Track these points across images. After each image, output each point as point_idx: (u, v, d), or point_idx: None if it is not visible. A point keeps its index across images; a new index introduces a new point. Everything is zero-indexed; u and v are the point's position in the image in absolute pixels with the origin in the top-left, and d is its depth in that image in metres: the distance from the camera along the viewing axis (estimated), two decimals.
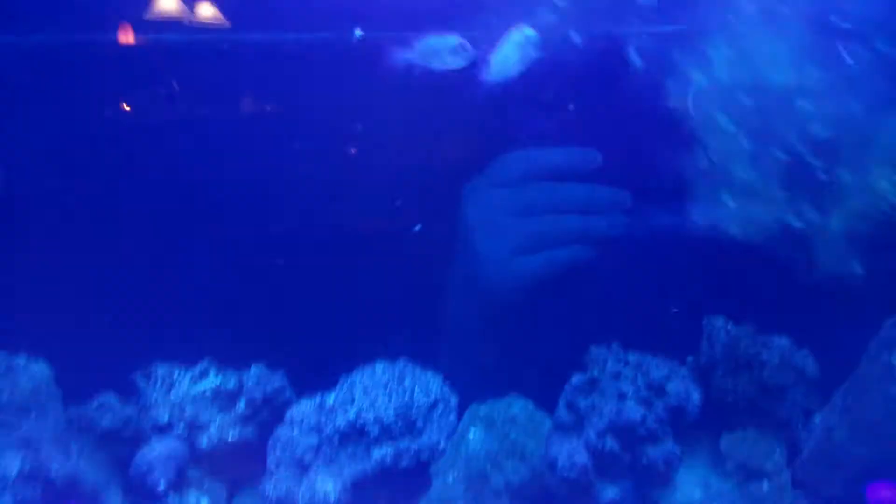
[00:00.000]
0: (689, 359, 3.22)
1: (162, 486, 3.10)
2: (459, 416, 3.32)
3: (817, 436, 2.90)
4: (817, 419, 2.97)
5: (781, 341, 3.05)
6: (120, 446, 3.18)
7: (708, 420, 3.07)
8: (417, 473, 3.18)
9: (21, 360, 3.29)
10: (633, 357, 3.12)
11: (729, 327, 3.10)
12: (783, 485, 2.71)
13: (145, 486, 3.11)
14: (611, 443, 2.92)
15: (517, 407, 3.25)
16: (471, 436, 3.16)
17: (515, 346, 3.46)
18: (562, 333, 3.39)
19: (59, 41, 3.37)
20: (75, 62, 3.41)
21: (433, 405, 3.31)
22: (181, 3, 3.43)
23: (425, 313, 3.50)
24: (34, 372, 3.28)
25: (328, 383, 3.38)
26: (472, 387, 3.29)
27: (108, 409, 3.15)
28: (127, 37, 3.45)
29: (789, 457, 2.96)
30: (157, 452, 3.14)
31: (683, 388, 3.05)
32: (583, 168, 3.02)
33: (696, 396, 3.05)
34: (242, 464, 3.30)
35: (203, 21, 3.45)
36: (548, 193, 3.06)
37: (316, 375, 3.39)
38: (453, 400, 3.39)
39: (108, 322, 3.57)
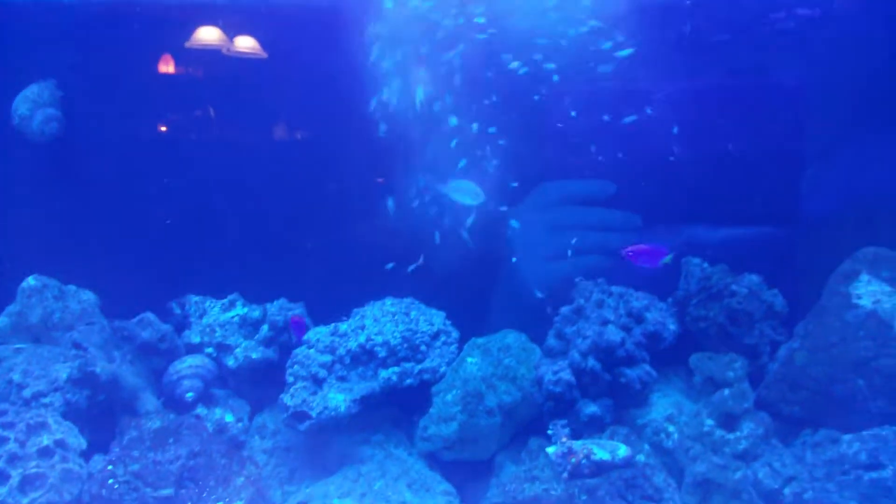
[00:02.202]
0: (670, 299, 3.54)
1: (189, 397, 3.45)
2: (460, 349, 3.65)
3: (780, 360, 3.19)
4: (783, 349, 3.25)
5: (752, 277, 3.35)
6: (157, 358, 3.56)
7: (684, 350, 3.37)
8: (420, 393, 3.51)
9: (72, 288, 3.71)
10: (616, 289, 3.45)
11: (704, 265, 3.41)
12: (744, 391, 2.98)
13: (174, 395, 3.47)
14: (592, 362, 3.23)
15: (511, 337, 3.57)
16: (469, 361, 3.48)
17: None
18: None
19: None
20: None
21: (436, 335, 3.65)
22: (221, 33, 3.77)
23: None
24: (83, 297, 3.69)
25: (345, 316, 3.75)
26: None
27: (147, 323, 3.53)
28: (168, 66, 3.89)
29: (756, 382, 3.24)
30: (189, 365, 3.51)
31: (661, 316, 3.36)
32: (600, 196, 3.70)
33: (672, 325, 3.36)
34: (265, 383, 3.65)
35: (241, 50, 3.80)
36: (573, 215, 3.69)
37: (333, 310, 3.76)
38: (455, 333, 3.72)
39: (149, 260, 3.93)
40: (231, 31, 3.81)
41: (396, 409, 3.60)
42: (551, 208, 3.73)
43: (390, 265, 3.72)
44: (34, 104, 3.69)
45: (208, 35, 3.77)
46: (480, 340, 3.58)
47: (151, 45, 3.93)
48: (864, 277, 3.14)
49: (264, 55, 3.82)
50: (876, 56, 3.49)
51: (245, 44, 3.80)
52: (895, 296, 3.06)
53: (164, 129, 4.04)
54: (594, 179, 3.70)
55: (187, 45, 3.76)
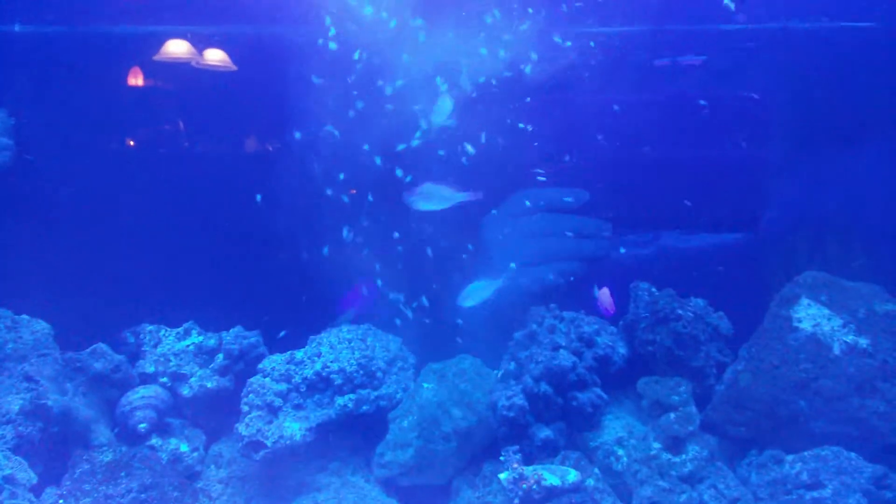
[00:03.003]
0: (621, 323, 3.62)
1: (143, 427, 3.43)
2: (417, 374, 3.68)
3: (726, 382, 3.28)
4: (728, 371, 3.34)
5: (697, 301, 3.45)
6: (111, 389, 3.53)
7: (635, 373, 3.45)
8: (376, 419, 3.53)
9: (25, 318, 3.68)
10: (567, 314, 3.51)
11: (652, 290, 3.49)
12: (689, 414, 3.06)
13: (128, 426, 3.44)
14: (545, 387, 3.29)
15: (467, 363, 3.61)
16: (425, 386, 3.52)
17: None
18: None
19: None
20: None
21: (392, 361, 3.68)
22: (190, 46, 3.78)
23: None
24: (35, 327, 3.65)
25: (300, 344, 3.76)
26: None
27: (100, 354, 3.50)
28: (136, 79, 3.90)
29: (703, 403, 3.32)
30: (141, 396, 3.49)
31: (611, 340, 3.44)
32: (574, 203, 3.80)
33: (622, 348, 3.44)
34: (221, 412, 3.64)
35: (210, 64, 3.81)
36: (547, 222, 3.80)
37: (289, 338, 3.78)
38: (411, 359, 3.76)
39: (102, 289, 3.91)
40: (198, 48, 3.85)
41: (354, 436, 3.60)
42: (526, 216, 3.79)
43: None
44: None
45: (177, 49, 3.79)
46: (436, 366, 3.62)
47: (104, 72, 3.94)
48: (804, 301, 3.25)
49: (234, 68, 3.84)
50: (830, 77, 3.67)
51: (214, 57, 3.82)
52: (833, 319, 3.17)
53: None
54: (568, 187, 3.79)
55: (155, 58, 3.77)
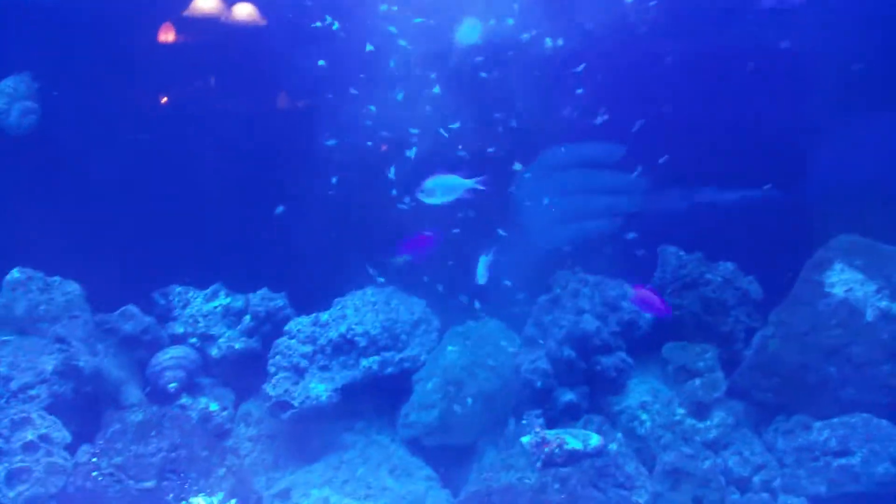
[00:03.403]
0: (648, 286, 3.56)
1: (173, 387, 3.50)
2: (441, 337, 3.69)
3: (754, 348, 3.22)
4: (757, 336, 3.28)
5: (727, 265, 3.38)
6: (141, 349, 3.60)
7: (662, 338, 3.41)
8: (401, 381, 3.56)
9: (56, 280, 3.74)
10: (592, 278, 3.47)
11: (680, 254, 3.43)
12: (715, 380, 3.03)
13: (158, 386, 3.52)
14: (568, 351, 3.27)
15: (491, 326, 3.61)
16: (449, 349, 3.53)
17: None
18: None
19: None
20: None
21: (416, 323, 3.69)
22: (220, 2, 3.74)
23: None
24: (67, 289, 3.71)
25: (326, 306, 3.78)
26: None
27: (130, 316, 3.57)
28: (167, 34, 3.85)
29: (731, 369, 3.28)
30: (171, 356, 3.55)
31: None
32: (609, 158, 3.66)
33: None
34: (249, 372, 3.70)
35: (239, 19, 3.76)
36: (580, 178, 3.69)
37: (315, 300, 3.80)
38: (435, 321, 3.77)
39: (132, 251, 3.95)
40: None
41: (379, 397, 3.65)
42: (559, 172, 3.71)
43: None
44: (10, 98, 3.69)
45: (205, 4, 3.75)
46: (460, 329, 3.63)
47: (129, 34, 3.92)
48: (838, 266, 3.16)
49: (263, 22, 3.78)
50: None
51: (243, 12, 3.77)
52: (868, 284, 3.09)
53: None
54: (602, 143, 3.67)
55: (184, 13, 3.73)
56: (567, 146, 3.69)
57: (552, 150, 3.71)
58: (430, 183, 3.11)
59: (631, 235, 3.47)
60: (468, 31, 3.39)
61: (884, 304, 3.00)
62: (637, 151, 3.62)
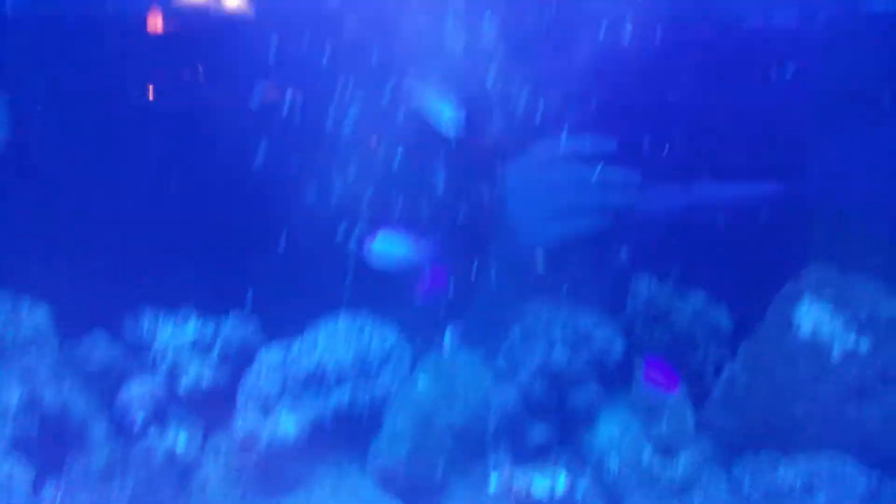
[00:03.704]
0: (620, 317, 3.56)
1: (140, 421, 3.46)
2: (413, 366, 3.67)
3: (723, 382, 3.22)
4: (725, 370, 3.28)
5: (697, 297, 3.37)
6: (108, 382, 3.55)
7: (634, 370, 3.40)
8: (372, 413, 3.53)
9: (25, 304, 3.67)
10: (564, 307, 3.46)
11: (651, 284, 3.42)
12: (682, 417, 3.02)
13: (125, 420, 3.47)
14: (540, 383, 3.26)
15: (464, 358, 3.59)
16: (420, 381, 3.51)
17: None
18: None
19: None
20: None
21: (389, 354, 3.67)
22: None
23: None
24: (36, 315, 3.66)
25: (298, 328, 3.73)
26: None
27: (98, 345, 3.52)
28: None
29: (701, 402, 3.27)
30: (138, 389, 3.51)
31: (608, 335, 3.38)
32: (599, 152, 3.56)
33: (619, 344, 3.38)
34: (218, 405, 3.66)
35: (229, 7, 3.67)
36: (571, 172, 3.60)
37: (286, 327, 3.75)
38: (408, 352, 3.74)
39: (103, 269, 3.86)
40: None
41: (349, 430, 3.61)
42: (547, 166, 3.60)
43: None
44: None
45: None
46: (432, 360, 3.60)
47: (97, 45, 3.83)
48: (807, 299, 3.16)
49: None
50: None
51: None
52: (836, 320, 3.09)
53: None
54: (593, 135, 3.54)
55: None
56: (554, 139, 3.56)
57: (538, 143, 3.58)
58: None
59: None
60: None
61: (851, 341, 3.01)
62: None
